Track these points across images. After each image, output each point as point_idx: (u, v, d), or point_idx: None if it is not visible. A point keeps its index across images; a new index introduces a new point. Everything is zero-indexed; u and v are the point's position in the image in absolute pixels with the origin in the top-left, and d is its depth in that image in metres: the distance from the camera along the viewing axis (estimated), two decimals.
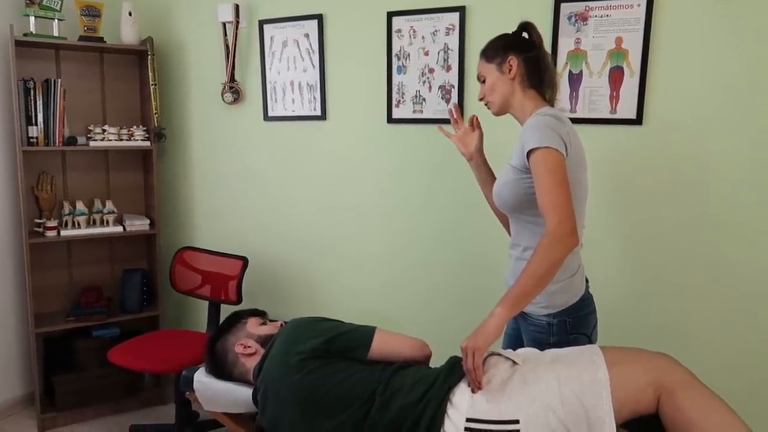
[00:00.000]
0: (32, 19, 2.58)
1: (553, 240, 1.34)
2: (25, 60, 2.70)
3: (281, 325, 1.73)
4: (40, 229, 2.72)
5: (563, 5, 2.04)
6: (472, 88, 2.22)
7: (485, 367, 1.40)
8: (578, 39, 2.04)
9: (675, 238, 1.99)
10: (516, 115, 1.62)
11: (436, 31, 2.28)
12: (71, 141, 2.72)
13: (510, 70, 1.57)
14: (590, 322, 1.59)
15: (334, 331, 1.54)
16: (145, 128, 2.87)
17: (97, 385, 2.84)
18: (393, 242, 2.52)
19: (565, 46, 2.06)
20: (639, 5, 1.93)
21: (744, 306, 1.92)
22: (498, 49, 1.59)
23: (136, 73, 2.99)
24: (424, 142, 2.38)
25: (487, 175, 1.80)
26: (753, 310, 1.91)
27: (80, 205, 2.83)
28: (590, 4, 2.00)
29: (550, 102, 1.62)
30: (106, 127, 2.79)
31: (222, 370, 1.70)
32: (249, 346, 1.66)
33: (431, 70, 2.31)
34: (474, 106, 2.23)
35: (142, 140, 2.85)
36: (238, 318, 1.77)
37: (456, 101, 2.27)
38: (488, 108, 1.66)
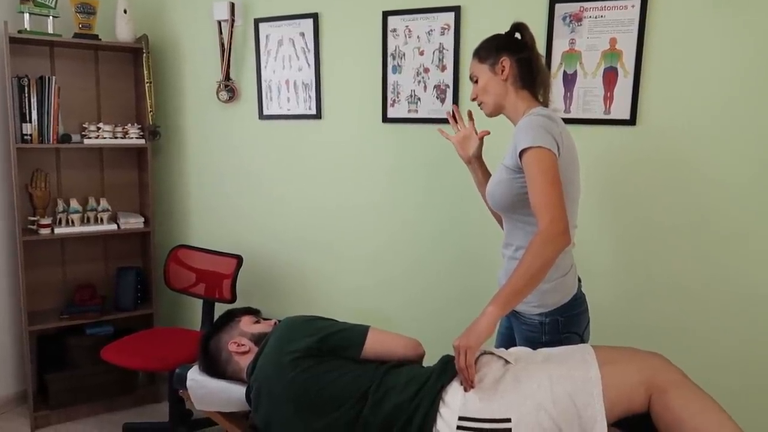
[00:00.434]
0: (27, 15, 2.57)
1: (545, 239, 1.35)
2: (20, 57, 2.69)
3: (275, 323, 1.73)
4: (34, 227, 2.72)
5: (558, 6, 2.04)
6: (467, 88, 2.22)
7: (478, 366, 1.41)
8: (573, 39, 2.05)
9: (667, 238, 2.00)
10: (509, 116, 1.63)
11: (431, 30, 2.28)
12: (65, 138, 2.71)
13: (503, 71, 1.58)
14: (582, 321, 1.60)
15: (327, 330, 1.54)
16: (139, 126, 2.87)
17: (90, 383, 2.84)
18: (387, 241, 2.52)
19: (560, 46, 2.06)
20: (633, 6, 1.94)
21: (735, 306, 1.93)
22: (491, 49, 1.60)
23: (131, 71, 2.99)
24: (419, 142, 2.38)
25: (483, 178, 1.81)
26: (744, 311, 1.92)
27: (74, 203, 2.82)
28: (585, 4, 2.01)
29: (543, 102, 1.63)
30: (100, 124, 2.78)
31: (215, 368, 1.70)
32: (242, 345, 1.66)
33: (426, 70, 2.32)
34: (468, 107, 2.23)
35: (136, 138, 2.85)
36: (231, 316, 1.77)
37: (451, 101, 2.28)
38: (481, 108, 1.66)
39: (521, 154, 1.44)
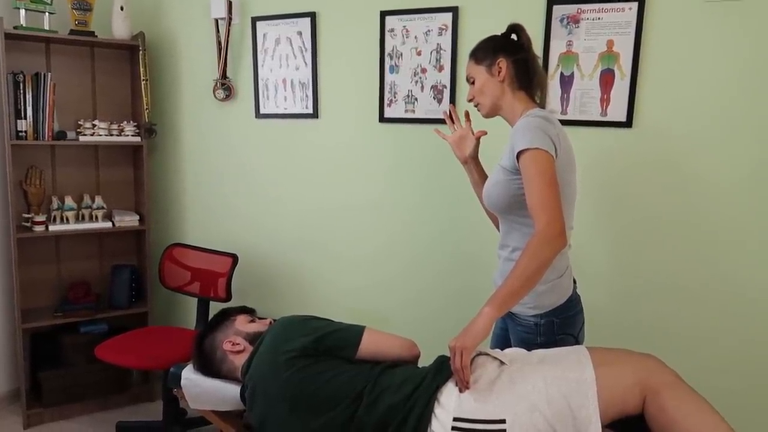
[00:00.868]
0: (22, 12, 2.56)
1: (542, 241, 1.35)
2: (15, 53, 2.67)
3: (270, 322, 1.72)
4: (29, 224, 2.70)
5: (555, 7, 2.05)
6: (464, 88, 2.22)
7: (473, 367, 1.41)
8: (570, 41, 2.05)
9: (663, 239, 2.01)
10: (506, 117, 1.63)
11: (428, 31, 2.28)
12: (61, 135, 2.70)
13: (499, 72, 1.58)
14: (577, 322, 1.60)
15: (323, 330, 1.54)
16: (135, 124, 2.86)
17: (84, 382, 2.83)
18: (384, 241, 2.52)
19: (557, 48, 2.07)
20: (630, 9, 1.95)
21: (731, 307, 1.94)
22: (487, 50, 1.60)
23: (127, 68, 2.98)
24: (415, 142, 2.38)
25: (480, 178, 1.81)
26: (740, 312, 1.93)
27: (69, 200, 2.81)
28: (582, 6, 2.01)
29: (540, 104, 1.63)
30: (96, 122, 2.77)
31: (210, 367, 1.69)
32: (237, 344, 1.66)
33: (423, 70, 2.32)
34: (465, 107, 2.23)
35: (132, 136, 2.84)
36: (226, 315, 1.76)
37: (448, 101, 2.28)
38: (478, 109, 1.66)
39: (518, 155, 1.44)
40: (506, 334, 1.69)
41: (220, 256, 2.67)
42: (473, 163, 1.81)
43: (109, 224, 2.84)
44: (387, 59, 2.38)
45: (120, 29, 2.77)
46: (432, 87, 2.31)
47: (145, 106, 2.80)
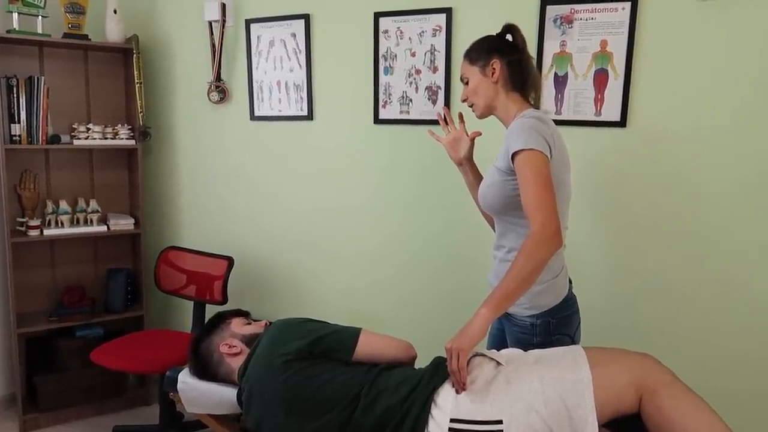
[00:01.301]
0: (15, 15, 2.55)
1: (538, 241, 1.35)
2: (8, 57, 2.66)
3: (266, 324, 1.72)
4: (23, 228, 2.69)
5: (549, 8, 2.05)
6: (459, 89, 2.22)
7: (469, 368, 1.41)
8: (563, 41, 2.05)
9: (658, 239, 2.01)
10: (500, 117, 1.63)
11: (422, 32, 2.28)
12: (55, 139, 2.69)
13: (493, 73, 1.58)
14: (573, 322, 1.60)
15: (319, 332, 1.53)
16: (130, 127, 2.85)
17: (80, 386, 2.82)
18: (379, 242, 2.52)
19: (551, 48, 2.07)
20: (623, 8, 1.95)
21: (727, 308, 1.95)
22: (481, 51, 1.60)
23: (121, 72, 2.97)
24: (410, 143, 2.38)
25: (474, 179, 1.81)
26: (735, 312, 1.93)
27: (64, 204, 2.80)
28: (575, 6, 2.02)
29: (534, 104, 1.63)
30: (90, 125, 2.76)
31: (206, 370, 1.69)
32: (234, 346, 1.65)
33: (418, 71, 2.32)
34: (460, 108, 2.23)
35: (126, 139, 2.83)
36: (222, 318, 1.76)
37: (443, 102, 2.28)
38: (472, 110, 1.66)
39: (513, 156, 1.44)
40: (503, 334, 1.70)
41: (216, 259, 2.66)
42: (468, 164, 1.81)
43: (104, 228, 2.83)
44: (381, 60, 2.38)
45: (113, 32, 2.76)
46: (426, 88, 2.31)
47: (140, 109, 2.79)
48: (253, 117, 2.72)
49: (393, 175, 2.44)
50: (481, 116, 1.66)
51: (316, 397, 1.42)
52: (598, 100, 2.03)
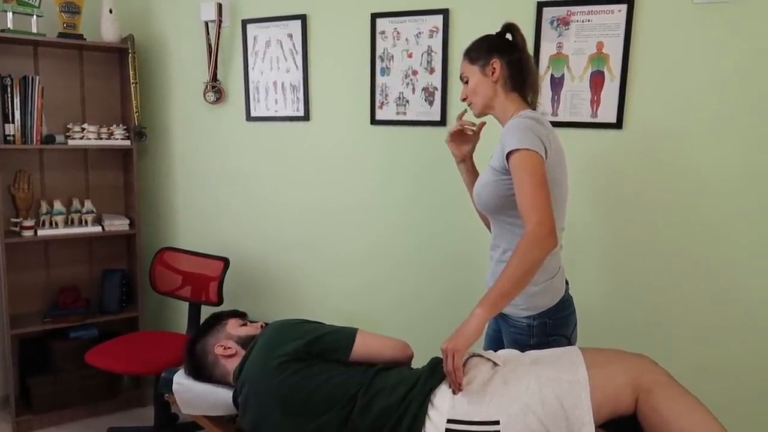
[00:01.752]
0: (10, 14, 2.54)
1: (532, 241, 1.35)
2: (3, 56, 2.65)
3: (262, 326, 1.72)
4: (17, 229, 2.68)
5: (545, 9, 2.05)
6: (456, 90, 2.23)
7: (466, 369, 1.41)
8: (560, 43, 2.06)
9: (654, 240, 2.02)
10: (497, 117, 1.63)
11: (419, 33, 2.29)
12: (49, 139, 2.67)
13: (493, 73, 1.58)
14: (570, 323, 1.60)
15: (315, 333, 1.53)
16: (125, 127, 2.84)
17: (74, 387, 2.80)
18: (375, 243, 2.52)
19: (547, 50, 2.08)
20: (620, 11, 1.96)
21: (723, 308, 1.95)
22: (481, 50, 1.60)
23: (117, 72, 2.96)
24: (407, 144, 2.38)
25: (471, 178, 1.80)
26: (732, 312, 1.94)
27: (58, 205, 2.79)
28: (572, 8, 2.02)
29: (532, 105, 1.63)
30: (85, 125, 2.75)
31: (202, 371, 1.68)
32: (229, 348, 1.65)
33: (414, 72, 2.32)
34: (457, 108, 2.24)
35: (122, 139, 2.82)
36: (218, 319, 1.75)
37: (440, 103, 2.28)
38: (470, 108, 1.66)
39: (508, 155, 1.44)
40: (499, 335, 1.70)
41: (212, 260, 2.65)
42: (470, 162, 1.79)
43: (99, 228, 2.82)
44: (378, 61, 2.38)
45: (109, 32, 2.76)
46: (423, 89, 2.31)
47: (135, 110, 2.78)
48: (249, 118, 2.71)
49: (390, 176, 2.44)
50: (479, 115, 1.66)
51: (313, 397, 1.42)
52: (595, 102, 2.03)
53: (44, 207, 2.77)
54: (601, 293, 2.11)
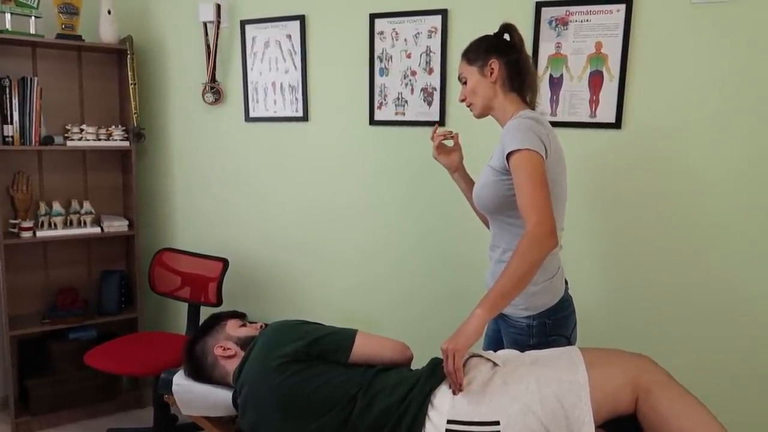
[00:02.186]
0: (8, 15, 2.53)
1: (532, 241, 1.35)
2: (1, 57, 2.65)
3: (261, 326, 1.72)
4: (16, 230, 2.67)
5: (544, 9, 2.06)
6: (454, 90, 2.23)
7: (466, 369, 1.41)
8: (559, 43, 2.06)
9: (653, 240, 2.02)
10: (497, 118, 1.63)
11: (418, 33, 2.29)
12: (48, 140, 2.67)
13: (492, 74, 1.58)
14: (570, 323, 1.61)
15: (315, 334, 1.53)
16: (124, 128, 2.84)
17: (73, 389, 2.80)
18: (374, 243, 2.52)
19: (546, 50, 2.08)
20: (618, 11, 1.96)
21: (721, 307, 1.95)
22: (480, 51, 1.60)
23: (115, 72, 2.95)
24: (405, 145, 2.38)
25: (467, 186, 1.82)
26: (732, 311, 1.94)
27: (57, 206, 2.78)
28: (571, 8, 2.02)
29: (531, 105, 1.64)
30: (84, 126, 2.75)
31: (201, 372, 1.68)
32: (228, 348, 1.64)
33: (413, 73, 2.32)
34: (456, 109, 2.24)
35: (120, 140, 2.82)
36: (217, 320, 1.75)
37: (438, 104, 2.28)
38: (470, 109, 1.67)
39: (508, 156, 1.44)
40: (498, 335, 1.70)
41: (211, 261, 2.65)
42: (462, 170, 1.82)
43: (97, 229, 2.81)
44: (377, 62, 2.38)
45: (107, 33, 2.75)
46: (422, 89, 2.31)
47: (134, 111, 2.78)
48: (248, 118, 2.71)
49: (388, 177, 2.44)
50: (479, 116, 1.66)
51: (313, 398, 1.42)
52: (593, 102, 2.04)
53: (43, 208, 2.77)
54: (600, 292, 2.11)
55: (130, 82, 2.75)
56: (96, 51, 2.87)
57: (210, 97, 2.73)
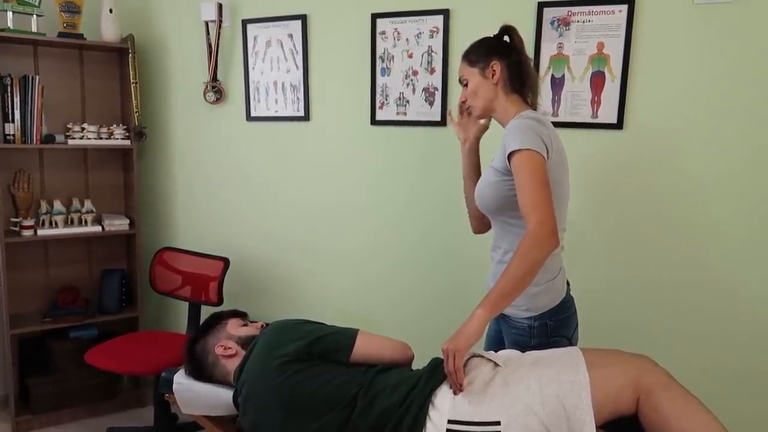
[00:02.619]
0: (10, 14, 2.53)
1: (533, 241, 1.35)
2: (3, 56, 2.65)
3: (262, 326, 1.72)
4: (17, 228, 2.67)
5: (546, 10, 2.06)
6: (456, 90, 2.23)
7: (467, 369, 1.41)
8: (560, 44, 2.06)
9: (654, 240, 2.02)
10: (498, 119, 1.63)
11: (420, 33, 2.29)
12: (49, 139, 2.67)
13: (493, 75, 1.58)
14: (571, 324, 1.60)
15: (316, 333, 1.53)
16: (125, 127, 2.84)
17: (73, 388, 2.80)
18: (375, 243, 2.52)
19: (548, 50, 2.08)
20: (620, 11, 1.96)
21: (720, 305, 1.96)
22: (480, 53, 1.60)
23: (117, 71, 2.95)
24: (407, 144, 2.38)
25: (473, 162, 1.76)
26: (732, 311, 1.94)
27: (58, 204, 2.79)
28: (572, 9, 2.02)
29: (533, 106, 1.63)
30: (85, 125, 2.75)
31: (202, 371, 1.68)
32: (229, 348, 1.65)
33: (415, 73, 2.32)
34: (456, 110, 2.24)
35: (122, 139, 2.82)
36: (218, 319, 1.75)
37: (440, 104, 2.28)
38: (470, 112, 1.66)
39: (510, 156, 1.44)
40: (500, 336, 1.69)
41: (212, 260, 2.65)
42: (474, 144, 1.76)
43: (98, 228, 2.81)
44: (378, 62, 2.38)
45: (109, 32, 2.75)
46: (423, 89, 2.31)
47: (135, 109, 2.78)
48: (249, 118, 2.71)
49: (389, 177, 2.44)
50: (479, 118, 1.67)
51: (314, 398, 1.42)
52: (595, 102, 2.03)
53: (44, 207, 2.77)
54: (601, 293, 2.11)
55: (132, 81, 2.76)
56: (97, 50, 2.87)
57: (211, 96, 2.73)
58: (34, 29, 2.60)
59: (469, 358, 1.46)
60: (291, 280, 2.74)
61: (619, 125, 2.01)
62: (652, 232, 2.02)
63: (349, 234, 2.57)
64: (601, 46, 2.00)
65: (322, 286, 2.67)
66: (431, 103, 2.30)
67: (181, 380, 1.71)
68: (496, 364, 1.42)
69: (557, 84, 2.08)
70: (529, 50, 2.00)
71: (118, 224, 2.86)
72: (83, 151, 2.92)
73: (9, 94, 2.56)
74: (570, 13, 2.03)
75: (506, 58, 1.58)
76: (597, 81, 2.02)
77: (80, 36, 2.70)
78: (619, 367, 1.37)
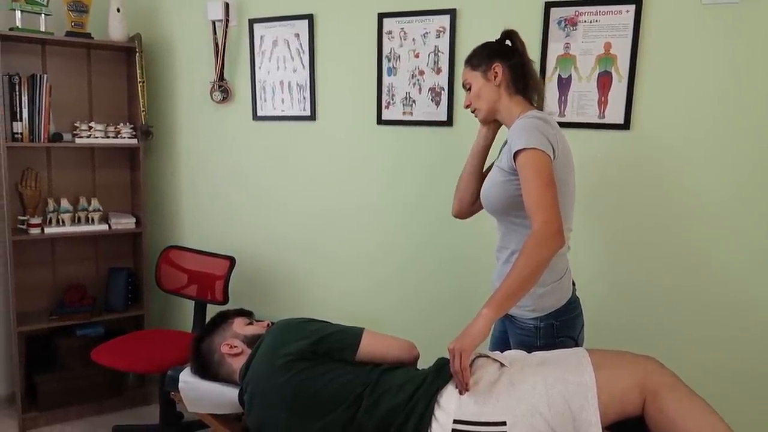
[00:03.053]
0: (18, 13, 2.55)
1: (539, 241, 1.35)
2: (11, 55, 2.66)
3: (268, 325, 1.72)
4: (24, 227, 2.69)
5: (553, 10, 2.05)
6: (462, 91, 2.22)
7: (473, 369, 1.41)
8: (567, 44, 2.05)
9: (659, 241, 2.01)
10: (503, 120, 1.63)
11: (426, 33, 2.28)
12: (57, 137, 2.68)
13: (495, 77, 1.58)
14: (577, 325, 1.60)
15: (321, 332, 1.53)
16: (132, 126, 2.85)
17: (80, 385, 2.81)
18: (381, 243, 2.52)
19: (555, 50, 2.07)
20: (628, 11, 1.95)
21: (725, 308, 1.94)
22: (482, 56, 1.61)
23: (124, 70, 2.97)
24: (413, 144, 2.38)
25: (486, 144, 1.74)
26: (734, 312, 1.93)
27: (65, 203, 2.80)
28: (580, 9, 2.02)
29: (538, 106, 1.63)
30: (92, 123, 2.76)
31: (208, 370, 1.69)
32: (235, 346, 1.65)
33: (421, 72, 2.32)
34: (462, 113, 2.23)
35: (129, 138, 2.83)
36: (224, 318, 1.76)
37: (446, 104, 2.28)
38: (475, 115, 1.66)
39: (515, 155, 1.44)
40: (505, 336, 1.69)
41: (218, 259, 2.66)
42: (493, 128, 1.72)
43: (105, 227, 2.83)
44: (385, 61, 2.38)
45: (116, 31, 2.77)
46: (430, 89, 2.31)
47: (142, 108, 2.79)
48: (255, 117, 2.72)
49: (395, 176, 2.44)
50: (484, 120, 1.67)
51: (319, 396, 1.42)
52: (602, 103, 2.03)
53: (51, 205, 2.78)
54: (606, 294, 2.10)
55: (139, 80, 2.77)
56: (105, 49, 2.88)
57: (218, 95, 2.74)
58: (42, 28, 2.62)
59: (474, 358, 1.46)
60: (296, 281, 2.74)
61: (626, 126, 2.00)
62: (658, 233, 2.01)
63: (354, 234, 2.57)
64: (608, 46, 2.00)
65: (327, 286, 2.67)
66: (437, 103, 2.30)
67: (186, 378, 1.72)
68: (502, 365, 1.42)
69: (564, 84, 2.08)
70: (536, 50, 2.01)
71: (125, 223, 2.87)
72: (90, 149, 2.93)
73: (17, 93, 2.57)
74: (577, 13, 2.02)
75: (508, 60, 1.58)
76: (604, 81, 2.02)
77: (88, 35, 2.72)
78: (626, 368, 1.37)
